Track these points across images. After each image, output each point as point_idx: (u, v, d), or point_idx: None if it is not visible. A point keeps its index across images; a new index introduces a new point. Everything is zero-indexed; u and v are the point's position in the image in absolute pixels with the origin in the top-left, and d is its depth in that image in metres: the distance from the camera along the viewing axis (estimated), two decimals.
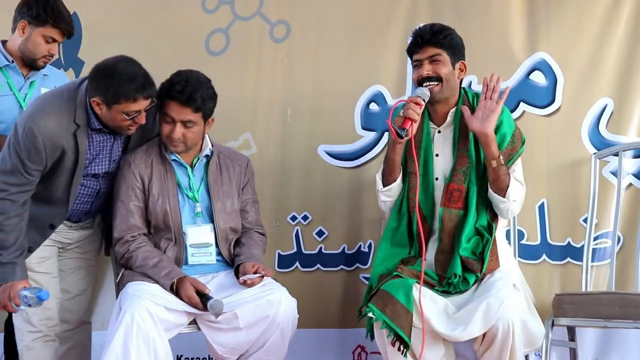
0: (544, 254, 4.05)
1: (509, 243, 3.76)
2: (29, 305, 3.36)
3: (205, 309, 3.39)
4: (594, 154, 3.99)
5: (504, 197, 3.44)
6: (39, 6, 3.80)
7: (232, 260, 3.68)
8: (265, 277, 3.54)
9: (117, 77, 3.37)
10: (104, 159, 3.62)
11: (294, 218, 4.30)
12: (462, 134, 3.51)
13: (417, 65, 3.56)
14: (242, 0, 4.46)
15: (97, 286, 4.27)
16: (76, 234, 3.77)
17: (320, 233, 4.28)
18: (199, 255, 3.62)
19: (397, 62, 4.28)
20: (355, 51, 4.35)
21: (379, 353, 3.52)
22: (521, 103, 4.12)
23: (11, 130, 3.53)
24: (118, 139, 3.62)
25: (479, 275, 3.40)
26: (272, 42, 4.43)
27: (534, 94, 4.11)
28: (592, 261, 3.93)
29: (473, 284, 3.41)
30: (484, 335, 3.27)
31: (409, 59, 3.64)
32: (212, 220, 3.65)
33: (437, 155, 3.58)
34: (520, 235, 4.01)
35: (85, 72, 3.71)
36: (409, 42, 3.61)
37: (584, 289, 3.86)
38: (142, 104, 3.42)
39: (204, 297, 3.41)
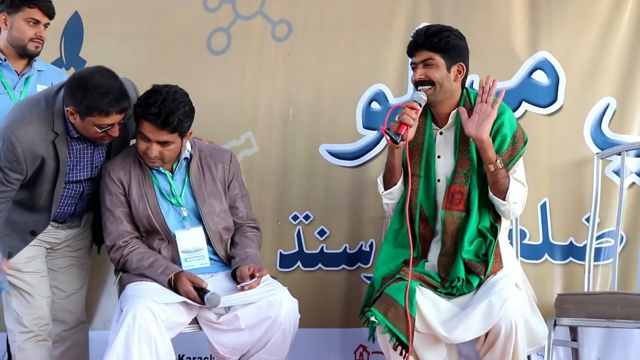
0: (546, 254, 4.03)
1: (511, 243, 3.76)
2: None
3: (202, 302, 3.38)
4: (597, 154, 3.98)
5: (504, 199, 3.43)
6: None
7: (229, 260, 3.67)
8: (266, 278, 3.54)
9: (92, 90, 3.33)
10: (86, 166, 3.61)
11: (295, 217, 4.30)
12: (463, 136, 3.50)
13: (413, 67, 3.56)
14: None
15: (98, 286, 4.28)
16: (63, 233, 3.76)
17: (321, 232, 4.27)
18: (192, 259, 3.61)
19: (398, 61, 4.27)
20: (356, 50, 4.34)
21: (381, 353, 3.52)
22: (523, 102, 4.11)
23: None
24: (98, 146, 3.60)
25: (482, 277, 3.39)
26: (274, 41, 4.43)
27: (536, 93, 4.10)
28: (595, 261, 3.92)
29: (477, 287, 3.40)
30: (486, 335, 3.27)
31: (409, 62, 3.64)
32: (201, 222, 3.64)
33: (439, 156, 3.57)
34: (523, 235, 4.00)
35: None
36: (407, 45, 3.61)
37: (586, 289, 3.85)
38: (115, 118, 3.39)
39: (201, 291, 3.41)
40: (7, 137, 3.41)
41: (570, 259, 4.02)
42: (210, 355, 4.11)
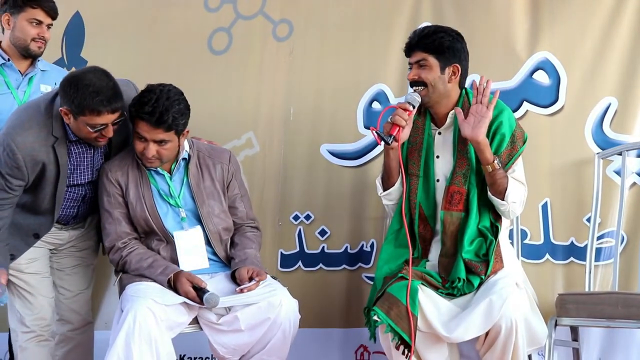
0: (547, 254, 4.03)
1: (512, 243, 3.75)
2: None
3: (201, 302, 3.39)
4: (598, 153, 3.97)
5: (503, 199, 3.43)
6: None
7: (229, 261, 3.67)
8: (266, 279, 3.54)
9: (83, 89, 3.33)
10: (86, 170, 3.61)
11: (296, 217, 4.30)
12: (461, 136, 3.49)
13: (409, 68, 3.57)
14: None
15: (101, 286, 4.28)
16: (66, 234, 3.76)
17: (322, 232, 4.27)
18: (191, 260, 3.60)
19: (399, 61, 4.26)
20: (357, 50, 4.34)
21: (382, 353, 3.53)
22: (524, 102, 4.10)
23: None
24: (97, 149, 3.60)
25: (483, 277, 3.39)
26: (275, 41, 4.44)
27: (537, 94, 4.09)
28: (596, 261, 3.91)
29: (478, 287, 3.40)
30: (486, 334, 3.27)
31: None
32: (200, 223, 3.63)
33: (437, 156, 3.57)
34: (523, 234, 3.99)
35: None
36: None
37: (587, 289, 3.84)
38: (108, 117, 3.38)
39: (200, 291, 3.41)
40: (7, 144, 3.41)
41: (571, 259, 4.01)
42: (211, 355, 4.11)
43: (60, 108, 3.40)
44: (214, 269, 3.66)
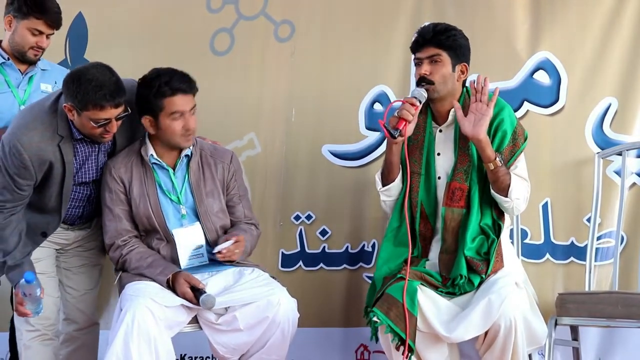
0: (548, 254, 4.03)
1: (512, 242, 3.76)
2: (26, 295, 3.33)
3: (198, 303, 3.39)
4: (598, 153, 3.97)
5: (506, 196, 3.43)
6: None
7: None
8: (265, 278, 3.55)
9: (86, 83, 3.33)
10: (91, 168, 3.61)
11: (297, 217, 4.31)
12: (462, 133, 3.49)
13: (417, 63, 3.55)
14: (247, 0, 4.47)
15: (103, 286, 4.28)
16: (72, 234, 3.76)
17: (323, 232, 4.28)
18: (191, 257, 3.60)
19: (401, 62, 4.28)
20: (359, 51, 4.35)
21: (382, 352, 3.53)
22: (525, 102, 4.11)
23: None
24: (102, 147, 3.61)
25: (483, 276, 3.39)
26: (277, 41, 4.45)
27: (538, 93, 4.10)
28: (596, 261, 3.91)
29: (478, 286, 3.40)
30: (485, 333, 3.27)
31: (412, 58, 3.64)
32: (199, 221, 3.63)
33: (438, 154, 3.57)
34: (524, 234, 4.00)
35: None
36: (411, 42, 3.61)
37: (587, 289, 3.84)
38: (111, 112, 3.38)
39: (197, 292, 3.41)
40: (12, 145, 3.42)
41: (572, 258, 4.02)
42: (211, 355, 4.11)
43: (65, 104, 3.41)
44: (213, 268, 3.65)
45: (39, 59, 3.96)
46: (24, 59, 3.92)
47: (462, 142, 3.52)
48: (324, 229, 4.27)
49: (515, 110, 3.96)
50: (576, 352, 3.75)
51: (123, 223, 3.60)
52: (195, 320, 3.53)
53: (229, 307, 3.47)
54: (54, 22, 3.87)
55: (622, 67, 4.06)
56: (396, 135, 3.41)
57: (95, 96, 3.33)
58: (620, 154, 3.93)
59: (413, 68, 4.02)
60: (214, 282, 3.56)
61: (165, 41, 4.50)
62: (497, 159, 3.40)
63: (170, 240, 3.61)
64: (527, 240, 4.02)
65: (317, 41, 4.40)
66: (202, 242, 3.61)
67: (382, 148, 4.24)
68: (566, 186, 4.05)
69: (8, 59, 3.93)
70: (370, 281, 3.74)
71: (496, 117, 3.47)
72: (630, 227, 3.96)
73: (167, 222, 3.61)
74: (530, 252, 4.01)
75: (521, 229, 3.89)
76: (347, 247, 4.25)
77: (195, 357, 4.32)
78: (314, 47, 4.40)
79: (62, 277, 3.78)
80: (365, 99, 4.32)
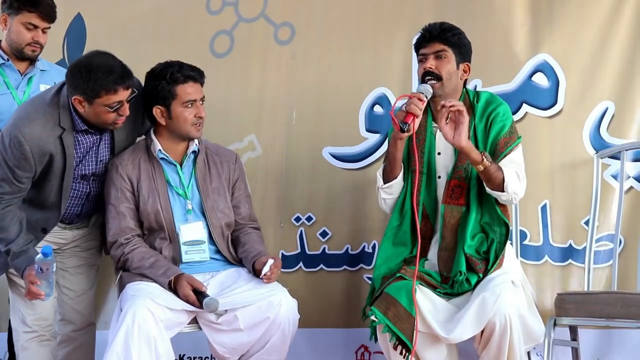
0: (547, 255, 4.04)
1: (511, 243, 3.76)
2: (42, 271, 3.30)
3: (201, 306, 3.40)
4: (596, 153, 3.98)
5: (502, 191, 3.43)
6: None
7: (232, 258, 3.68)
8: (265, 279, 3.55)
9: (95, 71, 3.36)
10: (91, 160, 3.61)
11: (298, 219, 4.32)
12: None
13: (422, 59, 3.57)
14: (246, 2, 4.49)
15: (104, 285, 4.29)
16: (70, 233, 3.77)
17: (324, 234, 4.29)
18: (193, 252, 3.61)
19: (401, 64, 4.29)
20: (359, 53, 4.36)
21: (383, 353, 3.53)
22: (524, 104, 4.11)
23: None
24: (104, 138, 3.61)
25: (480, 275, 3.40)
26: (277, 44, 4.46)
27: (537, 96, 4.10)
28: (594, 264, 3.90)
29: (475, 285, 3.41)
30: (482, 332, 3.27)
31: (413, 60, 3.67)
32: (204, 217, 3.65)
33: (439, 153, 3.58)
34: (523, 235, 4.00)
35: None
36: (415, 39, 3.63)
37: (586, 290, 3.86)
38: (123, 94, 3.42)
39: (200, 295, 3.42)
40: (14, 136, 3.42)
41: (570, 261, 4.02)
42: (211, 355, 4.11)
43: (74, 98, 3.42)
44: (216, 268, 3.67)
45: (37, 56, 3.96)
46: (23, 56, 3.93)
47: None
48: (324, 230, 4.29)
49: (514, 112, 3.97)
50: (575, 353, 3.76)
51: (127, 221, 3.60)
52: (194, 320, 3.54)
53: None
54: (48, 14, 3.88)
55: (619, 71, 4.06)
56: (405, 129, 3.40)
57: (107, 81, 3.36)
58: (618, 156, 3.93)
59: (414, 70, 4.07)
60: (214, 283, 3.57)
61: (164, 42, 4.51)
62: (485, 159, 3.39)
63: (172, 240, 3.61)
64: (526, 242, 4.03)
65: (317, 43, 4.41)
66: (205, 238, 3.62)
67: (382, 150, 4.25)
68: (564, 189, 4.05)
69: (8, 59, 3.94)
70: (370, 282, 3.75)
71: (495, 109, 3.51)
72: (628, 230, 3.95)
73: (174, 217, 3.61)
74: (529, 253, 4.01)
75: (520, 230, 3.91)
76: (348, 248, 4.26)
77: (195, 358, 4.33)
78: (314, 49, 4.42)
79: (58, 277, 3.77)
80: (365, 101, 4.32)
